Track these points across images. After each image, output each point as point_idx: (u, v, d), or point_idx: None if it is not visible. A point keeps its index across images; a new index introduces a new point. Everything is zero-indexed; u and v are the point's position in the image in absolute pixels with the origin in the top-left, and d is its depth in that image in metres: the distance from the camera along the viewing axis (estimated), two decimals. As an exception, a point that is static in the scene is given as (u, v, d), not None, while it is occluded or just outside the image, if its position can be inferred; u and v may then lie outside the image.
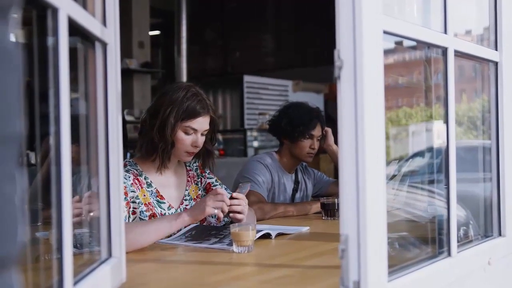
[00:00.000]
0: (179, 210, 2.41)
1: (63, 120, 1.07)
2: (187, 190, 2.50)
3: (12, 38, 0.62)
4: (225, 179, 6.04)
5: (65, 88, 1.07)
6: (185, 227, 2.25)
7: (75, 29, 1.18)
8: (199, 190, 2.55)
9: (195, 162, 2.58)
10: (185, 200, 2.47)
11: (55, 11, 1.05)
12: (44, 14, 1.05)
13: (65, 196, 1.06)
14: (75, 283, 1.15)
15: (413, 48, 1.84)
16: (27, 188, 0.72)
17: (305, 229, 2.50)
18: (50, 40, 1.08)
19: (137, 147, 2.41)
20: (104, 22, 1.43)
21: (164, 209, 2.36)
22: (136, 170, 2.36)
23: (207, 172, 2.61)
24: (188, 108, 2.30)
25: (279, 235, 2.32)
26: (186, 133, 2.34)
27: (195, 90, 2.37)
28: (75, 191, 1.16)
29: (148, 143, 2.35)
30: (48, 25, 1.06)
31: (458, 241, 1.65)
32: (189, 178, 2.53)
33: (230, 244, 2.03)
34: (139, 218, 2.28)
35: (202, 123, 2.36)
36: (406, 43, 1.66)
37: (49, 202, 1.10)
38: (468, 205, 2.00)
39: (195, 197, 2.51)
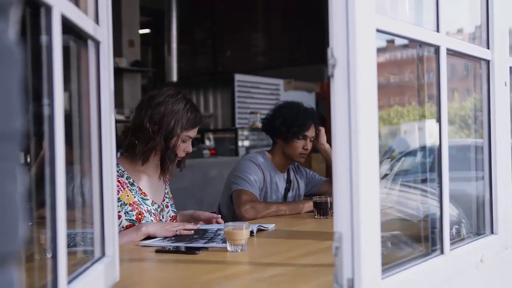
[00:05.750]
0: (161, 206, 2.54)
1: (57, 119, 1.06)
2: (166, 189, 2.63)
3: (12, 36, 0.62)
4: (216, 179, 6.07)
5: (59, 86, 1.07)
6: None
7: (67, 27, 1.17)
8: (171, 193, 2.69)
9: None
10: (166, 197, 2.61)
11: (48, 9, 1.05)
12: (37, 12, 1.05)
13: (59, 196, 1.06)
14: (69, 282, 1.15)
15: (405, 46, 1.84)
16: (27, 185, 0.72)
17: (271, 226, 2.53)
18: (43, 39, 1.07)
19: (138, 152, 2.43)
20: (96, 20, 1.42)
21: (149, 205, 2.47)
22: (118, 171, 2.40)
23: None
24: (191, 119, 2.46)
25: (260, 230, 2.39)
26: (183, 141, 2.47)
27: (191, 100, 2.53)
28: (67, 191, 1.15)
29: (150, 150, 2.43)
30: (41, 23, 1.06)
31: (450, 239, 1.65)
32: (166, 179, 2.65)
33: (224, 241, 2.03)
34: (125, 219, 2.34)
35: (196, 131, 2.53)
36: (398, 41, 1.67)
37: (41, 202, 1.10)
38: (460, 204, 2.00)
39: (171, 197, 2.67)
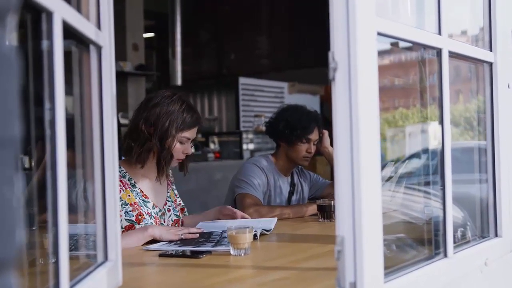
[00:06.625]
0: (163, 209, 2.53)
1: (59, 124, 1.06)
2: (168, 192, 2.62)
3: (9, 42, 0.62)
4: (221, 182, 6.08)
5: (60, 91, 1.07)
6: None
7: (69, 32, 1.17)
8: (175, 196, 2.68)
9: (170, 169, 2.68)
10: (168, 201, 2.60)
11: (49, 14, 1.05)
12: (38, 18, 1.05)
13: (60, 200, 1.06)
14: (71, 286, 1.15)
15: (409, 49, 1.84)
16: (25, 191, 0.72)
17: (274, 220, 2.57)
18: (44, 44, 1.07)
19: (134, 154, 2.43)
20: (98, 25, 1.43)
21: (149, 208, 2.46)
22: (120, 172, 2.41)
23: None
24: (186, 120, 2.44)
25: (263, 234, 2.38)
26: (181, 142, 2.46)
27: (188, 101, 2.51)
28: (70, 196, 1.16)
29: (146, 152, 2.42)
30: (42, 28, 1.06)
31: (455, 242, 1.65)
32: (169, 182, 2.65)
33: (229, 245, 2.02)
34: (124, 219, 2.36)
35: (194, 132, 2.51)
36: (402, 44, 1.66)
37: (45, 207, 1.10)
38: (465, 206, 2.00)
39: (174, 200, 2.64)
